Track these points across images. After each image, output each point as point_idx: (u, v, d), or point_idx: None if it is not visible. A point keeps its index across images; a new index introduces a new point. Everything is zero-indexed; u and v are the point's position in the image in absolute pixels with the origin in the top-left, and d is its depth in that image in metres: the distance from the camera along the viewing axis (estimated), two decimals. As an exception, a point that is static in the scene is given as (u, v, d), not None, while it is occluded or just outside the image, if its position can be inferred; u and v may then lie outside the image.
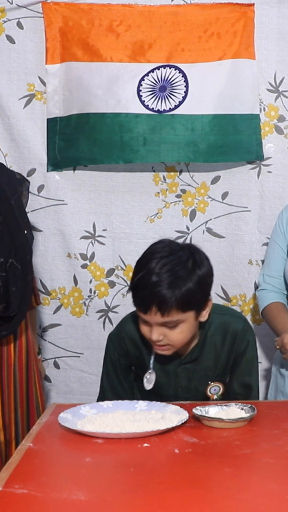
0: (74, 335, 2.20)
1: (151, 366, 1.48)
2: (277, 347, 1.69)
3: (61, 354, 2.22)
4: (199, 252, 1.46)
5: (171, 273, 1.35)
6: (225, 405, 1.34)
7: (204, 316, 1.46)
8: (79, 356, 2.21)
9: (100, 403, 1.40)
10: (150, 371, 1.48)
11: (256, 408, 1.31)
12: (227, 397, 1.51)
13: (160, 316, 1.36)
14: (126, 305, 2.10)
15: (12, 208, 1.51)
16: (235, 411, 1.30)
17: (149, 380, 1.48)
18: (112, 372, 1.59)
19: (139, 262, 1.43)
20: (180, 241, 2.15)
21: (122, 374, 1.59)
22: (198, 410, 1.30)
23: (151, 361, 1.48)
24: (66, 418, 1.27)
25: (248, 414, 1.28)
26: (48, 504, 0.91)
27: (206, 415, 1.28)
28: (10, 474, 1.01)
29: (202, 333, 1.52)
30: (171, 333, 1.40)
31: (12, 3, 2.06)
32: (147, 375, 1.48)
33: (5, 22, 2.08)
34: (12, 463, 1.07)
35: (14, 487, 0.95)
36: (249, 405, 1.32)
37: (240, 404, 1.34)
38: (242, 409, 1.31)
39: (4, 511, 0.89)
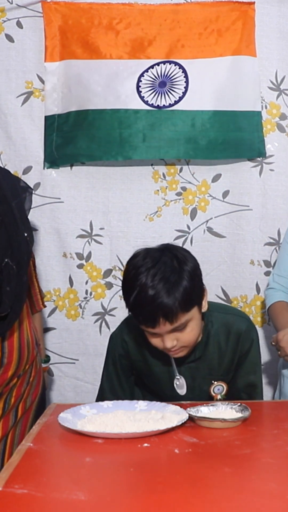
0: (69, 340, 2.15)
1: (176, 372, 1.49)
2: (273, 343, 1.71)
3: (55, 360, 2.17)
4: (177, 249, 1.46)
5: (164, 281, 1.35)
6: (212, 405, 1.34)
7: (205, 306, 1.47)
8: (74, 363, 2.16)
9: (100, 403, 1.40)
10: (177, 376, 1.49)
11: (249, 407, 1.30)
12: (231, 396, 1.50)
13: (170, 324, 1.36)
14: (123, 308, 2.04)
15: (12, 210, 1.51)
16: (227, 411, 1.30)
17: (180, 386, 1.47)
18: (113, 372, 1.59)
19: (127, 281, 1.42)
20: (181, 240, 2.16)
21: (123, 375, 1.59)
22: (192, 411, 1.29)
23: (174, 367, 1.49)
24: (66, 418, 1.27)
25: (241, 414, 1.28)
26: (48, 504, 0.91)
27: (203, 415, 1.27)
28: (10, 474, 1.01)
29: (205, 331, 1.53)
30: (183, 335, 1.41)
31: (12, 3, 2.06)
32: (176, 382, 1.48)
33: (4, 21, 2.08)
34: (12, 463, 1.07)
35: (14, 487, 0.95)
36: (238, 404, 1.32)
37: (231, 403, 1.33)
38: (231, 408, 1.31)
39: (4, 511, 0.88)
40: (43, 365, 1.78)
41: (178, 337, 1.41)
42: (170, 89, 2.06)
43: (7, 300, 1.43)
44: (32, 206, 2.06)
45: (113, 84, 2.04)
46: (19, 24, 2.08)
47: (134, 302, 1.38)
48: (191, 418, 1.27)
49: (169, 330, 1.38)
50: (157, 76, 2.05)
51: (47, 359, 1.87)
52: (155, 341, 1.43)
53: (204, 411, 1.31)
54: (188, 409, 1.30)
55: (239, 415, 1.28)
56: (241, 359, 1.56)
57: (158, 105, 2.05)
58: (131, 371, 1.61)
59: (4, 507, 0.89)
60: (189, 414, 1.27)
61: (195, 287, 1.40)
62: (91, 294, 2.15)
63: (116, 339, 1.60)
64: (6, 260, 1.44)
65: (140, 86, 2.04)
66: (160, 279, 1.35)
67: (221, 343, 1.54)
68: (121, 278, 2.13)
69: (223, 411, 1.30)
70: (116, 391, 1.57)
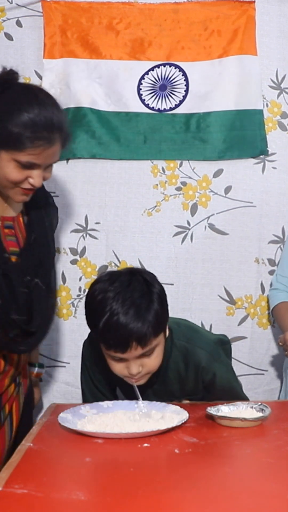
0: (60, 341, 2.04)
1: (140, 399, 1.40)
2: (280, 344, 1.71)
3: (44, 363, 1.97)
4: (143, 272, 1.44)
5: (136, 306, 1.33)
6: (232, 405, 1.34)
7: (166, 332, 1.45)
8: (64, 366, 2.05)
9: (100, 403, 1.40)
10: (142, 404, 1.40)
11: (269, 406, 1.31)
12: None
13: (141, 349, 1.34)
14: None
15: (46, 229, 1.50)
16: (247, 411, 1.30)
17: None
18: (89, 378, 1.57)
19: (93, 307, 1.38)
20: (180, 237, 2.11)
21: (98, 382, 1.57)
22: (213, 410, 1.30)
23: (138, 393, 1.41)
24: (66, 418, 1.27)
25: (261, 414, 1.28)
26: (48, 504, 0.91)
27: (224, 414, 1.28)
28: (10, 474, 1.01)
29: (164, 357, 1.48)
30: (149, 360, 1.38)
31: (12, 3, 2.05)
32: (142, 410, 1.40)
33: (4, 21, 2.07)
34: (12, 463, 1.07)
35: (14, 487, 0.95)
36: (259, 403, 1.33)
37: (251, 403, 1.34)
38: (252, 407, 1.32)
39: (4, 511, 0.89)
40: (37, 370, 1.74)
41: (144, 363, 1.37)
42: (171, 93, 2.06)
43: (36, 318, 1.41)
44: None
45: (114, 86, 2.05)
46: (18, 23, 2.08)
47: (104, 327, 1.33)
48: (210, 417, 1.28)
49: (138, 355, 1.35)
50: (157, 79, 2.05)
51: (40, 365, 1.77)
52: (119, 368, 1.39)
53: (224, 410, 1.32)
54: (209, 408, 1.31)
55: (259, 414, 1.28)
56: (209, 385, 1.52)
57: (159, 109, 2.05)
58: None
59: (4, 507, 0.90)
60: (209, 413, 1.28)
61: (164, 310, 1.39)
62: (84, 291, 2.04)
63: (85, 349, 1.59)
64: (36, 280, 1.41)
65: (141, 89, 2.05)
66: (132, 303, 1.33)
67: (180, 370, 1.51)
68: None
69: (243, 411, 1.30)
70: (96, 393, 1.55)
